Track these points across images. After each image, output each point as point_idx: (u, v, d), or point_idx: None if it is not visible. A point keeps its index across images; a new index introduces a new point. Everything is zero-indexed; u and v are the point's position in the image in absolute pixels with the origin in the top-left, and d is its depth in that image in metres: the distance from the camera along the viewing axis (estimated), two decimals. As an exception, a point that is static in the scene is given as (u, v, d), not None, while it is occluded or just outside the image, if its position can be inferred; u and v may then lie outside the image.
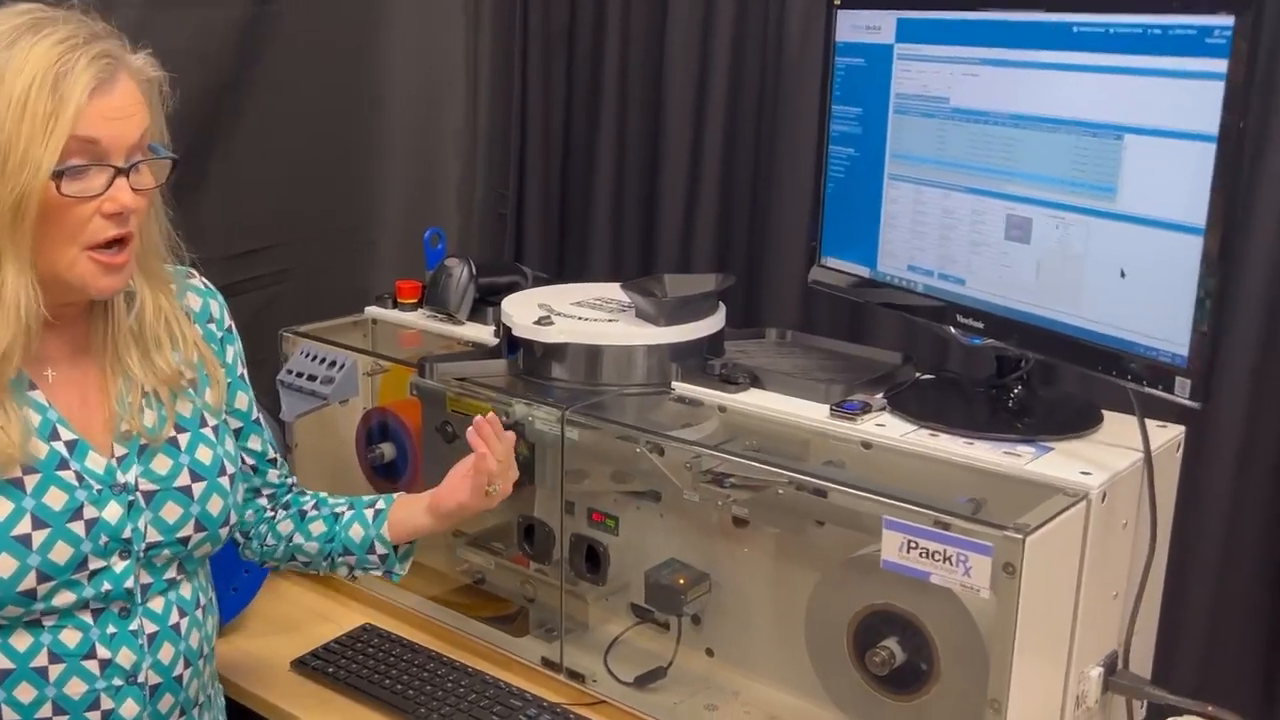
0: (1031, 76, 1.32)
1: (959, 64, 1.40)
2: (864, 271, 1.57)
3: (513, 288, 1.83)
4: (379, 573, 1.46)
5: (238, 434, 1.39)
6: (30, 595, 1.15)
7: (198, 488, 1.26)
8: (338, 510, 1.46)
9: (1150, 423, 1.35)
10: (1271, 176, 1.53)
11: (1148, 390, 1.24)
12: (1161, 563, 1.42)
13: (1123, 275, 1.25)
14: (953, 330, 1.45)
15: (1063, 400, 1.53)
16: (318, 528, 1.46)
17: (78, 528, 1.17)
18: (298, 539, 1.46)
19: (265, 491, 1.47)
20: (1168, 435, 1.40)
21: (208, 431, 1.29)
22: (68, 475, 1.18)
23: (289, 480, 1.51)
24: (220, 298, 1.39)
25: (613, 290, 1.76)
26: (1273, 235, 1.54)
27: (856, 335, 1.88)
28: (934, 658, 1.29)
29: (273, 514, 1.48)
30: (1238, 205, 1.16)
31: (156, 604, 1.24)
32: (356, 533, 1.44)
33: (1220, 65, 1.13)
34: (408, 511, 1.44)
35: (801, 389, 1.51)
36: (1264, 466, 1.62)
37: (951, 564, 1.19)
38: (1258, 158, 1.54)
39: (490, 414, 1.39)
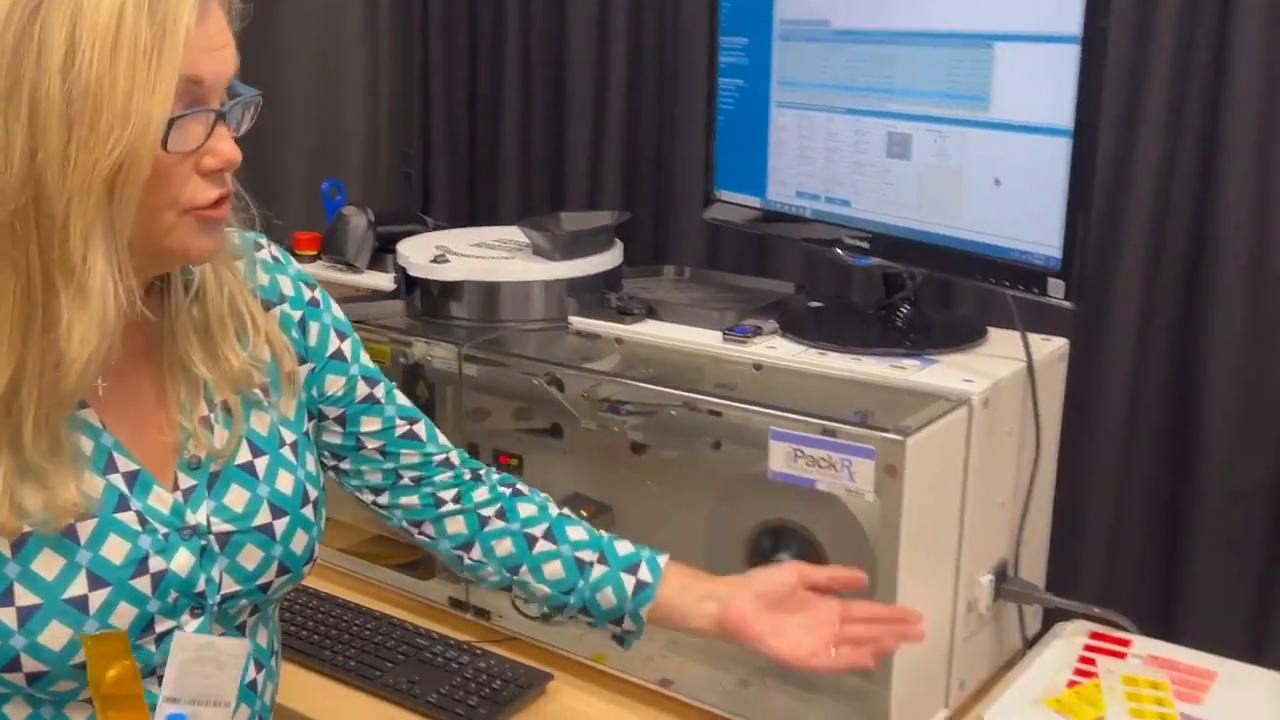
0: (906, -8, 1.34)
1: (838, -15, 1.41)
2: (755, 202, 1.58)
3: (412, 235, 1.81)
4: (609, 635, 1.20)
5: (341, 420, 1.15)
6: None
7: (279, 525, 1.03)
8: (582, 557, 1.17)
9: (1034, 336, 1.38)
10: (1154, 82, 1.55)
11: (1023, 295, 1.26)
12: (1049, 472, 1.45)
13: (997, 183, 1.27)
14: (839, 252, 1.46)
15: (949, 318, 1.55)
16: (554, 571, 1.17)
17: (142, 584, 0.94)
18: (525, 575, 1.18)
19: (439, 493, 1.21)
20: (1051, 347, 1.42)
21: (287, 452, 1.06)
22: (128, 518, 0.95)
23: (466, 472, 1.23)
24: (292, 269, 1.12)
25: (511, 232, 1.75)
26: (1158, 142, 1.55)
27: (763, 271, 1.89)
28: (827, 569, 1.31)
29: (485, 517, 1.20)
30: (1101, 105, 1.18)
31: None
32: (607, 599, 1.15)
33: (1080, -34, 1.15)
34: (683, 602, 1.15)
35: (696, 318, 1.52)
36: (1156, 382, 1.64)
37: (836, 470, 1.20)
38: (1140, 66, 1.55)
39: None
